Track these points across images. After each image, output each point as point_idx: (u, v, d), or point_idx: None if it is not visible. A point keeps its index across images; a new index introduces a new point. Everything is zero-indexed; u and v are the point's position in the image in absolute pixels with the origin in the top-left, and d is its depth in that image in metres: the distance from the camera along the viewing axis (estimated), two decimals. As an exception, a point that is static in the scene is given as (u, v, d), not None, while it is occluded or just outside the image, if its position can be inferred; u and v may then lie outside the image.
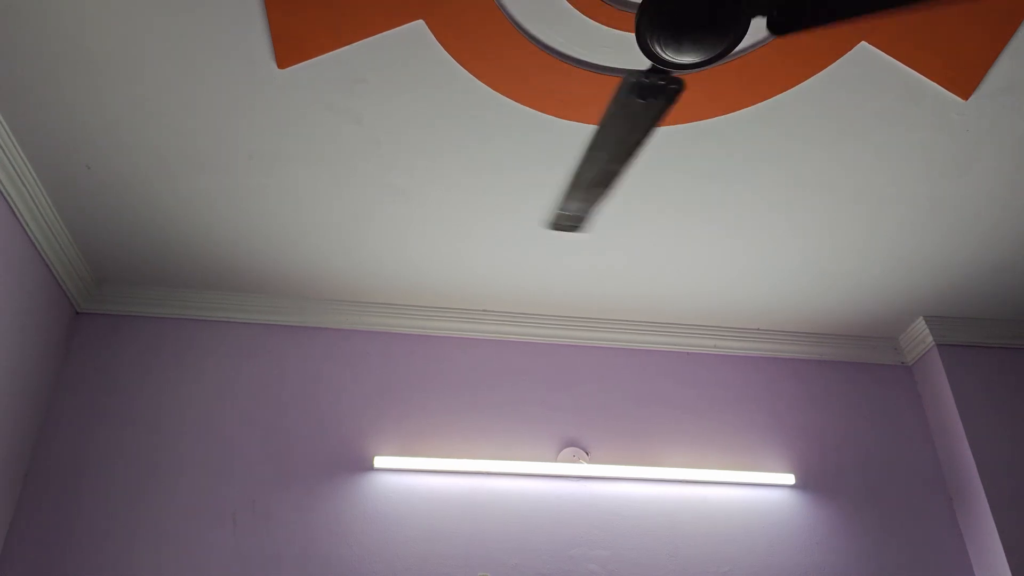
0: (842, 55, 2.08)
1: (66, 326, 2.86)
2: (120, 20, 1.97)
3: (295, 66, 2.09)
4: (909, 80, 2.15)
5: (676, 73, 1.53)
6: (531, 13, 1.98)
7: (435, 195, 2.55)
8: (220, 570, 2.56)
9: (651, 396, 3.11)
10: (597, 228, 2.69)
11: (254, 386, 2.90)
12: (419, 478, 2.80)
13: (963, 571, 2.89)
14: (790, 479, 2.96)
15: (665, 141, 2.34)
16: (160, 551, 2.56)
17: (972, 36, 2.04)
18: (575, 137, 2.32)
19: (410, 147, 2.36)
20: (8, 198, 2.41)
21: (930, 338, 3.19)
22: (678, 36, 1.39)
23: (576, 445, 2.96)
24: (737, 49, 1.95)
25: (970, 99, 2.20)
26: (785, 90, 2.17)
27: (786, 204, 2.59)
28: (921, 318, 3.20)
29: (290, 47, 2.04)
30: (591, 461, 2.92)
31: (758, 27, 2.01)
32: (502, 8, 1.97)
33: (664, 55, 1.43)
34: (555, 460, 2.91)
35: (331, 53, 2.06)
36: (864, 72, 2.13)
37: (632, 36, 2.01)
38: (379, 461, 2.77)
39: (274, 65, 2.09)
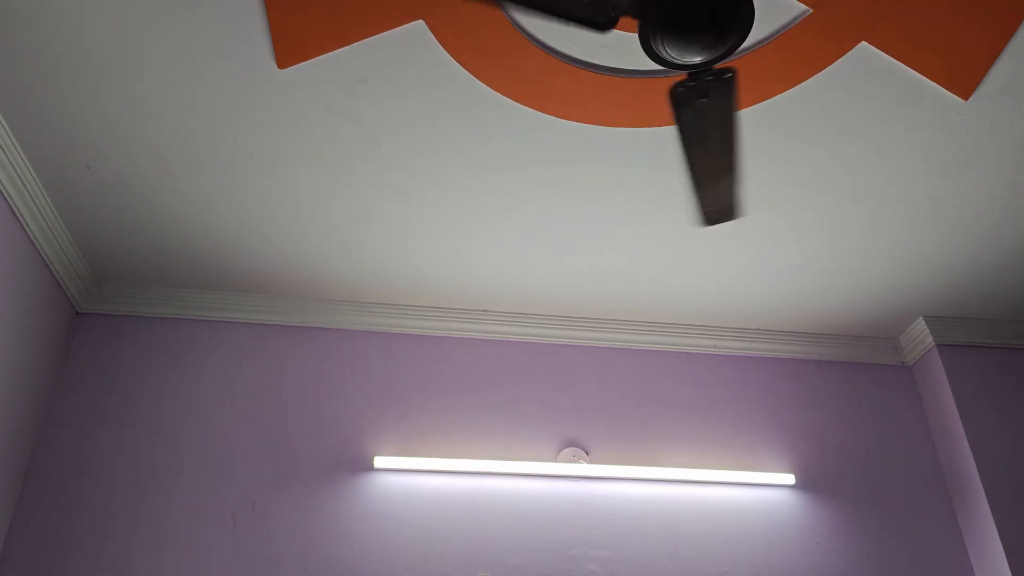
0: (842, 55, 2.08)
1: (66, 326, 2.86)
2: (120, 20, 1.97)
3: (295, 66, 2.09)
4: (909, 80, 2.15)
5: (666, 74, 1.53)
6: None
7: (435, 195, 2.55)
8: (220, 570, 2.56)
9: (651, 396, 3.11)
10: (597, 228, 2.69)
11: (254, 386, 2.90)
12: (419, 478, 2.80)
13: (963, 571, 2.89)
14: (790, 479, 2.96)
15: (665, 141, 2.34)
16: (160, 551, 2.56)
17: (972, 36, 2.04)
18: (575, 137, 2.32)
19: (410, 147, 2.36)
20: (8, 198, 2.41)
21: (930, 338, 3.19)
22: (680, 36, 1.39)
23: (576, 445, 2.96)
24: (738, 49, 1.94)
25: (970, 99, 2.20)
26: (785, 90, 2.17)
27: (786, 204, 2.59)
28: (921, 318, 3.20)
29: (290, 47, 2.04)
30: (591, 461, 2.92)
31: (759, 27, 2.02)
32: (502, 8, 1.97)
33: (666, 55, 1.43)
34: (555, 460, 2.91)
35: (331, 53, 2.06)
36: (864, 72, 2.13)
37: (633, 36, 2.01)
38: (379, 461, 2.77)
39: (274, 65, 2.09)
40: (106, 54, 2.06)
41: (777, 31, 2.02)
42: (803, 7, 1.98)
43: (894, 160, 2.42)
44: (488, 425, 2.95)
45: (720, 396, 3.15)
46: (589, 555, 2.74)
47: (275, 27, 1.99)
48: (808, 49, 2.07)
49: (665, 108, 2.22)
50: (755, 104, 2.21)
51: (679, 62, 1.45)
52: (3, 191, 2.38)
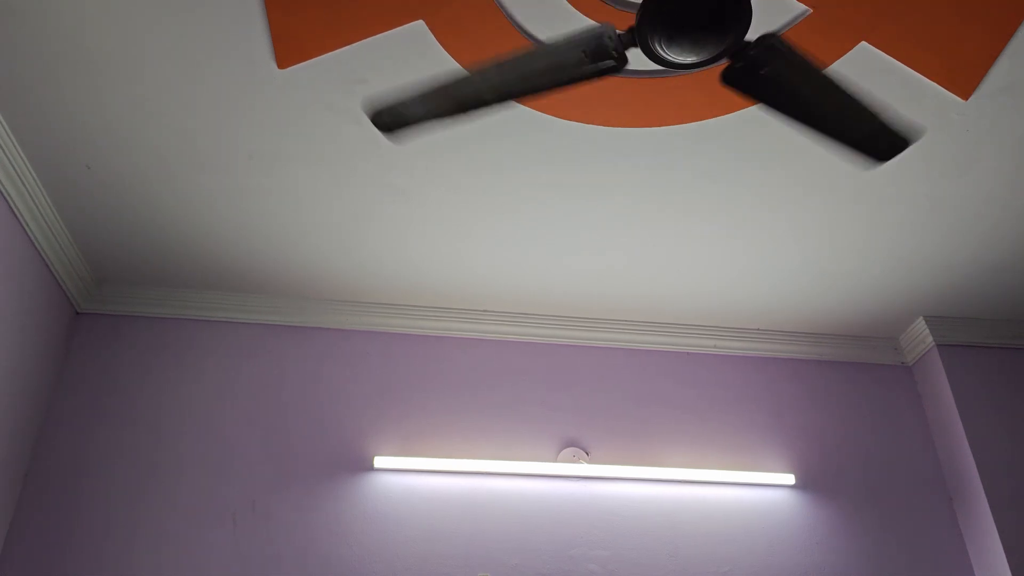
0: (842, 55, 2.08)
1: (66, 326, 2.86)
2: (120, 20, 1.97)
3: (295, 66, 2.09)
4: (909, 80, 2.15)
5: (682, 73, 1.52)
6: (531, 13, 1.98)
7: (435, 195, 2.55)
8: (220, 570, 2.56)
9: (651, 396, 3.11)
10: (597, 228, 2.69)
11: (254, 386, 2.90)
12: (419, 478, 2.80)
13: (963, 571, 2.89)
14: (790, 479, 2.96)
15: (665, 141, 2.34)
16: (160, 551, 2.57)
17: (972, 36, 2.04)
18: (575, 137, 2.32)
19: (410, 147, 2.36)
20: (8, 198, 2.41)
21: (930, 338, 3.19)
22: (679, 36, 1.39)
23: (576, 445, 2.96)
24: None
25: (970, 99, 2.20)
26: (785, 90, 2.17)
27: (786, 204, 2.59)
28: (921, 318, 3.20)
29: (290, 47, 2.04)
30: (591, 461, 2.92)
31: (758, 27, 2.01)
32: (502, 8, 1.97)
33: (665, 55, 1.43)
34: (555, 460, 2.91)
35: (331, 53, 2.06)
36: (864, 72, 2.13)
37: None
38: (379, 461, 2.77)
39: (274, 65, 2.09)
40: (106, 54, 2.06)
41: (777, 31, 2.02)
42: (803, 7, 1.98)
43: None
44: (488, 425, 2.95)
45: (720, 396, 3.15)
46: (589, 555, 2.74)
47: (275, 27, 1.99)
48: (808, 49, 2.07)
49: (665, 108, 2.22)
50: (755, 104, 2.21)
51: (678, 62, 1.45)
52: (3, 191, 2.38)
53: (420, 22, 2.00)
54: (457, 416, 2.95)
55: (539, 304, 3.12)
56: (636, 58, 2.07)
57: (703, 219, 2.66)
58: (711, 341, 3.26)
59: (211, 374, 2.90)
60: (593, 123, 2.27)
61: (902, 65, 2.11)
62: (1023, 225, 2.70)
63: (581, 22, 1.99)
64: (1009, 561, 2.74)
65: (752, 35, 1.48)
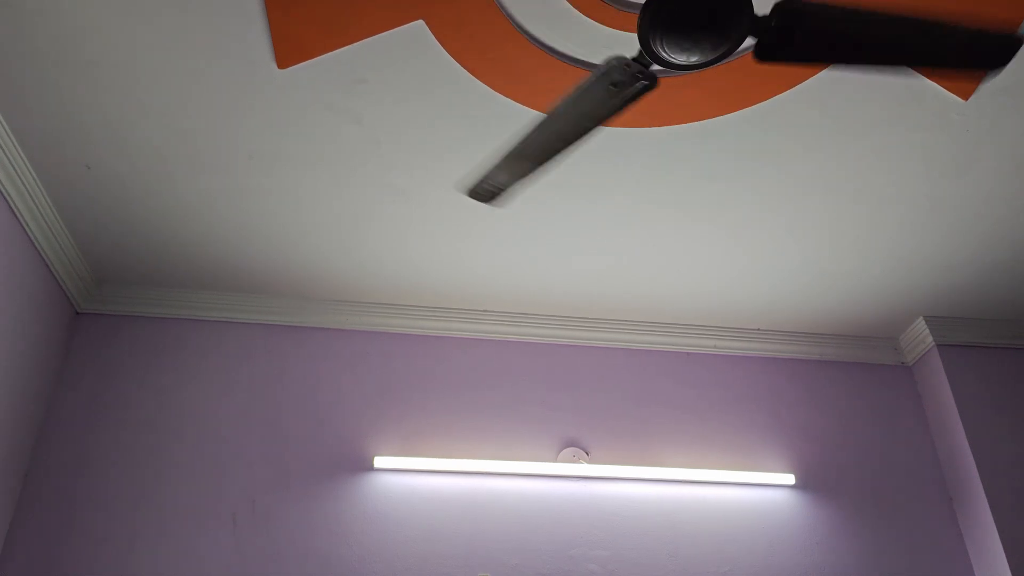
0: (842, 55, 2.08)
1: (66, 326, 2.86)
2: (120, 20, 1.97)
3: (295, 66, 2.09)
4: (909, 80, 2.15)
5: (681, 73, 1.53)
6: (531, 13, 1.98)
7: (435, 195, 2.55)
8: (220, 570, 2.56)
9: (651, 396, 3.11)
10: (597, 228, 2.69)
11: (254, 386, 2.90)
12: (419, 478, 2.80)
13: (963, 571, 2.89)
14: (790, 479, 2.96)
15: (666, 141, 2.34)
16: (160, 551, 2.57)
17: (972, 36, 2.04)
18: (575, 137, 2.32)
19: (410, 147, 2.36)
20: (8, 198, 2.41)
21: (930, 338, 3.19)
22: (680, 36, 1.39)
23: (576, 445, 2.96)
24: (738, 49, 1.94)
25: (970, 99, 2.20)
26: (785, 90, 2.17)
27: (786, 204, 2.59)
28: (921, 318, 3.20)
29: (290, 47, 2.04)
30: (591, 461, 2.92)
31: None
32: (502, 8, 1.97)
33: (666, 55, 1.43)
34: (555, 460, 2.91)
35: (331, 53, 2.06)
36: (864, 72, 2.13)
37: (633, 36, 2.01)
38: (379, 461, 2.77)
39: (274, 65, 2.09)
40: (106, 54, 2.06)
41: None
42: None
43: (894, 160, 2.42)
44: (488, 425, 2.95)
45: (720, 396, 3.15)
46: (589, 555, 2.74)
47: (275, 27, 1.99)
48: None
49: (665, 108, 2.22)
50: (755, 104, 2.21)
51: (679, 62, 1.45)
52: (3, 191, 2.38)
53: (420, 22, 2.00)
54: (457, 416, 2.95)
55: (539, 304, 3.12)
56: (636, 58, 2.07)
57: (703, 219, 2.66)
58: (711, 341, 3.26)
59: (211, 374, 2.90)
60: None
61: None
62: (1023, 225, 2.70)
63: (581, 22, 1.99)
64: (1009, 561, 2.74)
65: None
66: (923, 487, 3.05)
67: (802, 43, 1.49)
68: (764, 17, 1.44)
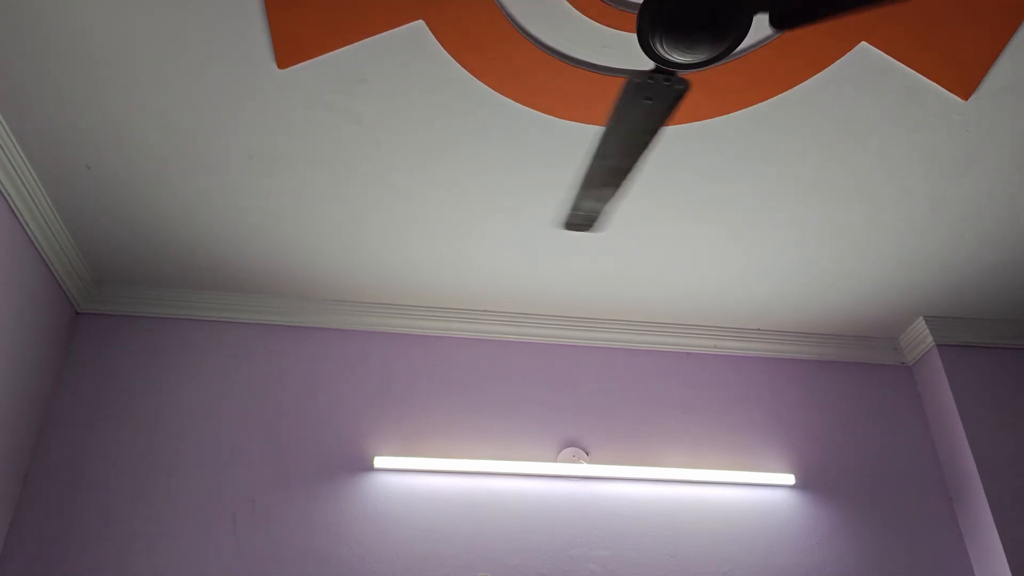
0: (842, 55, 2.08)
1: (66, 326, 2.86)
2: (120, 20, 1.97)
3: (295, 66, 2.09)
4: (909, 80, 2.15)
5: (681, 73, 1.53)
6: (531, 13, 1.98)
7: (435, 195, 2.55)
8: (220, 570, 2.56)
9: (651, 396, 3.11)
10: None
11: (254, 386, 2.90)
12: (419, 478, 2.80)
13: (963, 571, 2.89)
14: (790, 479, 2.96)
15: (665, 141, 2.34)
16: (160, 551, 2.57)
17: (972, 36, 2.04)
18: (575, 137, 2.32)
19: (410, 147, 2.36)
20: (8, 198, 2.41)
21: (930, 338, 3.19)
22: (680, 36, 1.39)
23: (576, 445, 2.96)
24: (737, 49, 1.95)
25: (970, 99, 2.20)
26: (785, 90, 2.17)
27: (786, 204, 2.59)
28: (921, 318, 3.20)
29: (290, 47, 2.04)
30: (591, 461, 2.92)
31: (759, 27, 2.02)
32: (502, 8, 1.97)
33: (666, 55, 1.43)
34: (555, 460, 2.91)
35: (331, 53, 2.06)
36: (864, 72, 2.13)
37: (633, 36, 2.01)
38: (379, 461, 2.77)
39: (274, 65, 2.09)
40: (106, 54, 2.06)
41: (777, 31, 2.02)
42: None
43: (894, 160, 2.42)
44: (488, 425, 2.95)
45: (720, 396, 3.15)
46: (589, 555, 2.74)
47: (275, 27, 1.99)
48: (808, 49, 2.07)
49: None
50: (755, 104, 2.21)
51: (678, 62, 1.45)
52: (3, 191, 2.38)
53: (420, 22, 2.00)
54: (457, 416, 2.95)
55: (539, 304, 3.12)
56: (636, 58, 2.07)
57: (703, 219, 2.66)
58: (711, 341, 3.26)
59: (211, 374, 2.90)
60: (593, 123, 2.27)
61: (902, 65, 2.11)
62: (1023, 225, 2.70)
63: (581, 22, 1.99)
64: (1009, 561, 2.74)
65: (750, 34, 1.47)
66: (923, 487, 3.05)
67: (643, 109, 1.61)
68: (673, 77, 1.51)
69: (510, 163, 2.42)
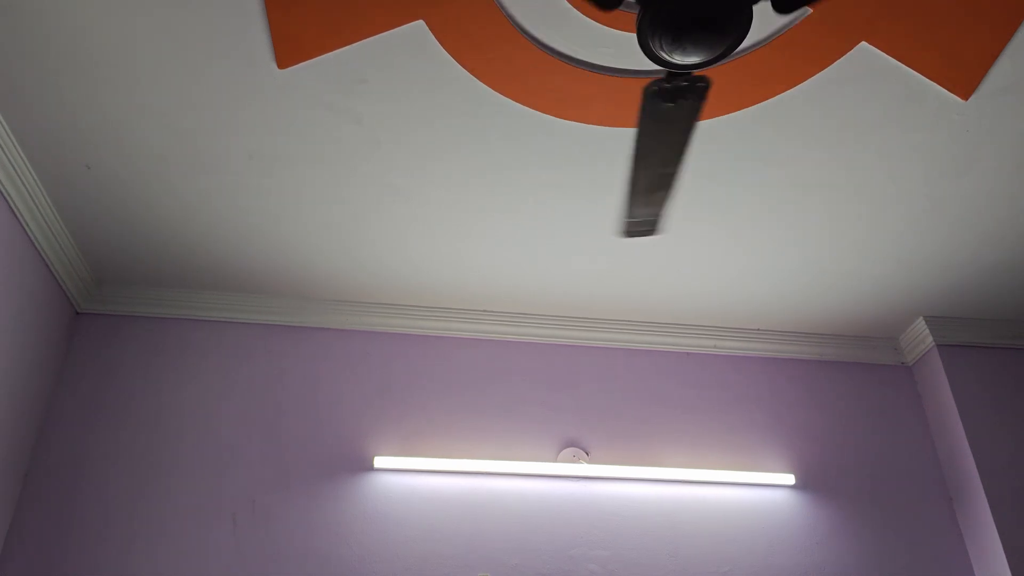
0: (842, 55, 2.08)
1: (66, 326, 2.86)
2: (120, 20, 1.97)
3: (295, 66, 2.09)
4: (909, 80, 2.15)
5: (696, 72, 1.53)
6: (531, 13, 1.98)
7: (435, 195, 2.55)
8: (220, 570, 2.56)
9: (651, 396, 3.11)
10: (597, 228, 2.69)
11: (254, 386, 2.90)
12: (419, 478, 2.80)
13: (963, 571, 2.89)
14: (790, 479, 2.96)
15: (665, 141, 2.34)
16: (160, 551, 2.57)
17: (972, 36, 2.04)
18: (575, 137, 2.32)
19: (410, 147, 2.36)
20: (8, 198, 2.41)
21: (930, 338, 3.19)
22: (680, 36, 1.39)
23: (576, 445, 2.96)
24: (738, 49, 1.95)
25: (970, 99, 2.20)
26: (785, 90, 2.17)
27: (786, 204, 2.59)
28: (921, 318, 3.20)
29: (290, 47, 2.04)
30: (591, 461, 2.92)
31: (759, 27, 2.02)
32: (502, 8, 1.97)
33: (666, 56, 1.43)
34: (555, 460, 2.91)
35: (331, 53, 2.06)
36: (864, 72, 2.13)
37: (633, 36, 2.01)
38: (379, 461, 2.77)
39: (274, 65, 2.09)
40: (106, 54, 2.06)
41: (777, 31, 2.02)
42: (803, 7, 1.97)
43: (894, 160, 2.42)
44: (488, 425, 2.95)
45: (720, 396, 3.15)
46: (589, 555, 2.74)
47: (275, 27, 1.99)
48: (808, 49, 2.07)
49: (665, 108, 2.22)
50: (755, 104, 2.21)
51: (678, 62, 1.45)
52: (3, 191, 2.38)
53: (420, 22, 2.00)
54: (457, 416, 2.95)
55: (539, 304, 3.12)
56: (636, 58, 2.07)
57: (703, 219, 2.66)
58: (711, 341, 3.26)
59: (211, 374, 2.90)
60: (593, 123, 2.27)
61: (902, 65, 2.11)
62: (1023, 225, 2.70)
63: (581, 22, 1.99)
64: (1009, 561, 2.74)
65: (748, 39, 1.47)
66: (923, 487, 3.05)
67: (668, 113, 1.60)
68: (691, 77, 1.51)
69: (510, 163, 2.42)
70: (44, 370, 2.71)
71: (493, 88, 2.16)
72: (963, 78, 2.15)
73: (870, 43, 2.05)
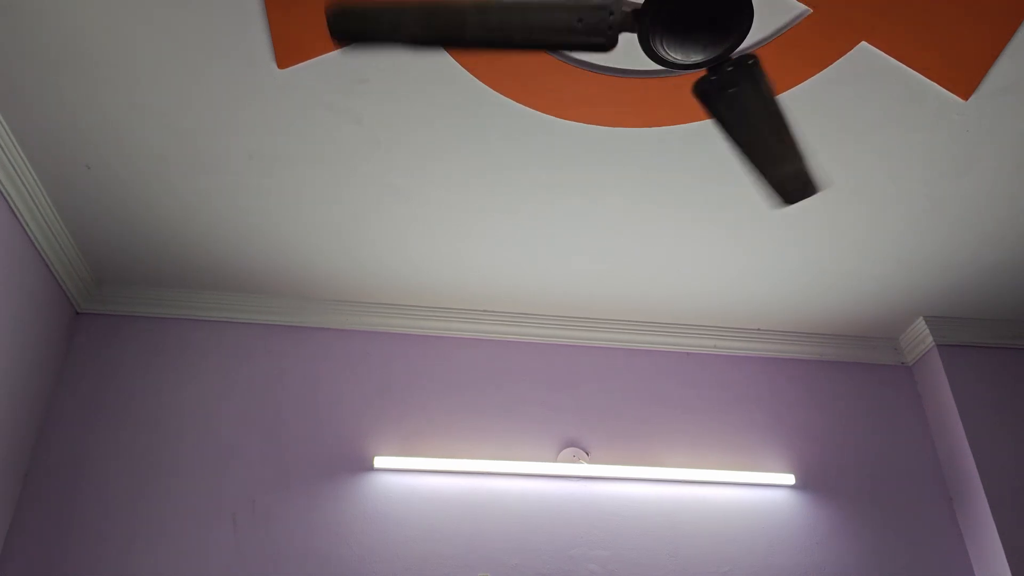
0: (842, 55, 2.08)
1: (66, 326, 2.86)
2: (120, 20, 1.97)
3: (295, 66, 2.09)
4: (909, 80, 2.15)
5: (664, 74, 1.53)
6: (531, 13, 1.98)
7: (435, 195, 2.55)
8: (220, 570, 2.56)
9: (651, 396, 3.11)
10: (597, 228, 2.69)
11: (254, 386, 2.90)
12: (419, 478, 2.80)
13: (963, 571, 2.89)
14: (790, 479, 2.96)
15: (665, 141, 2.34)
16: (160, 551, 2.57)
17: (972, 36, 2.04)
18: (575, 137, 2.32)
19: (410, 147, 2.36)
20: (8, 198, 2.41)
21: (930, 338, 3.19)
22: (680, 36, 1.39)
23: (576, 445, 2.96)
24: (739, 48, 1.95)
25: (970, 99, 2.20)
26: (785, 90, 2.17)
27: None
28: (921, 318, 3.20)
29: (290, 47, 2.04)
30: (591, 461, 2.92)
31: (759, 27, 2.02)
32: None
33: (667, 55, 1.43)
34: (555, 460, 2.91)
35: (331, 53, 2.06)
36: (864, 72, 2.13)
37: (633, 36, 2.00)
38: (379, 461, 2.77)
39: (274, 65, 2.09)
40: (106, 54, 2.06)
41: (777, 31, 2.02)
42: (803, 7, 1.98)
43: (894, 160, 2.42)
44: (488, 425, 2.95)
45: (720, 396, 3.15)
46: (589, 555, 2.74)
47: (275, 27, 1.99)
48: (808, 49, 2.07)
49: (665, 108, 2.22)
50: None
51: (679, 62, 1.45)
52: (3, 191, 2.38)
53: (420, 22, 2.00)
54: (457, 416, 2.95)
55: (539, 304, 3.12)
56: (636, 58, 2.07)
57: (703, 219, 2.66)
58: (711, 341, 3.26)
59: (211, 374, 2.90)
60: (593, 123, 2.27)
61: (902, 65, 2.11)
62: (1023, 225, 2.70)
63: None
64: (1009, 561, 2.74)
65: (748, 39, 1.48)
66: (923, 487, 3.05)
67: (728, 98, 1.60)
68: (728, 59, 1.50)
69: (510, 163, 2.42)
70: (44, 370, 2.71)
71: (493, 88, 2.16)
72: (963, 78, 2.15)
73: (870, 43, 2.05)
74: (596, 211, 2.61)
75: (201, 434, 2.78)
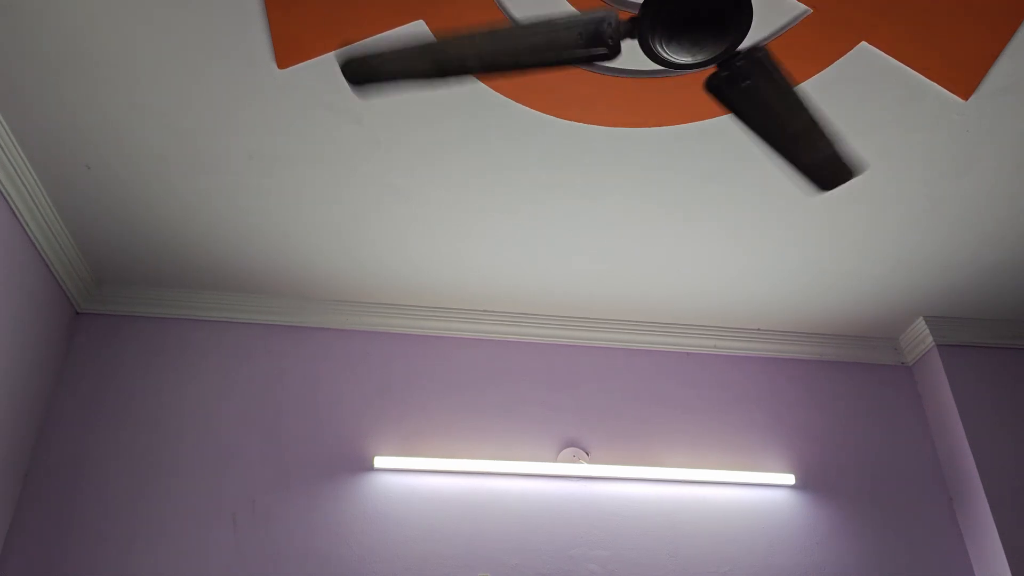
0: (842, 55, 2.08)
1: (66, 326, 2.86)
2: (120, 20, 1.97)
3: (295, 66, 2.09)
4: (909, 80, 2.15)
5: (663, 74, 1.53)
6: (531, 13, 1.98)
7: (435, 195, 2.55)
8: (220, 570, 2.56)
9: (651, 396, 3.11)
10: (597, 228, 2.69)
11: (254, 386, 2.90)
12: (419, 478, 2.80)
13: (963, 571, 2.89)
14: (790, 479, 2.96)
15: (665, 141, 2.34)
16: (160, 551, 2.57)
17: (972, 36, 2.04)
18: (575, 137, 2.32)
19: (410, 147, 2.36)
20: (8, 198, 2.41)
21: (930, 338, 3.19)
22: (680, 36, 1.39)
23: (576, 445, 2.96)
24: (739, 48, 1.95)
25: (970, 99, 2.20)
26: (785, 90, 2.17)
27: (786, 204, 2.59)
28: (921, 318, 3.20)
29: (290, 47, 2.04)
30: (591, 461, 2.92)
31: (759, 27, 2.02)
32: (502, 8, 1.97)
33: (665, 55, 1.43)
34: (555, 460, 2.91)
35: (331, 53, 2.06)
36: (864, 72, 2.13)
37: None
38: (379, 461, 2.77)
39: (274, 65, 2.09)
40: (106, 54, 2.06)
41: (777, 31, 2.02)
42: (803, 7, 1.98)
43: (894, 160, 2.42)
44: (488, 425, 2.95)
45: (720, 396, 3.15)
46: (589, 555, 2.74)
47: (275, 27, 1.99)
48: (808, 49, 2.07)
49: (665, 108, 2.22)
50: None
51: (678, 62, 1.45)
52: (3, 191, 2.38)
53: (420, 22, 2.00)
54: (457, 416, 2.95)
55: (539, 304, 3.12)
56: (636, 58, 2.07)
57: (703, 219, 2.66)
58: (711, 341, 3.26)
59: (211, 374, 2.90)
60: (593, 123, 2.27)
61: (902, 65, 2.11)
62: (1023, 225, 2.70)
63: (581, 22, 1.99)
64: (1009, 561, 2.74)
65: (747, 40, 1.49)
66: (923, 487, 3.05)
67: (743, 91, 1.59)
68: (737, 52, 1.49)
69: (510, 163, 2.42)
70: (44, 370, 2.71)
71: (493, 88, 2.17)
72: (963, 78, 2.15)
73: (870, 43, 2.06)
74: (596, 211, 2.61)
75: (201, 434, 2.78)
